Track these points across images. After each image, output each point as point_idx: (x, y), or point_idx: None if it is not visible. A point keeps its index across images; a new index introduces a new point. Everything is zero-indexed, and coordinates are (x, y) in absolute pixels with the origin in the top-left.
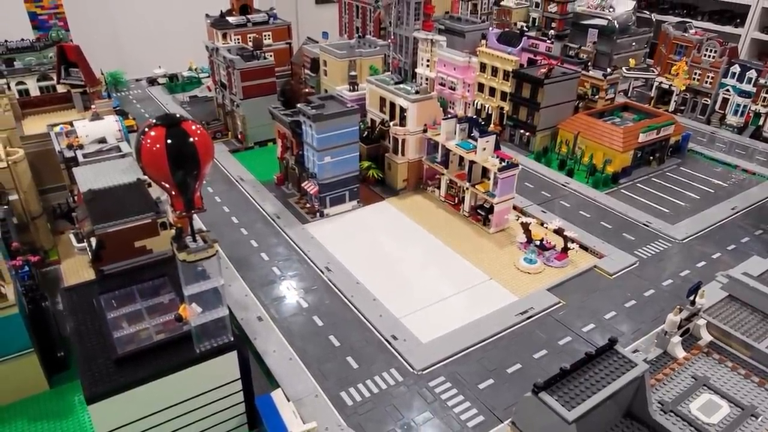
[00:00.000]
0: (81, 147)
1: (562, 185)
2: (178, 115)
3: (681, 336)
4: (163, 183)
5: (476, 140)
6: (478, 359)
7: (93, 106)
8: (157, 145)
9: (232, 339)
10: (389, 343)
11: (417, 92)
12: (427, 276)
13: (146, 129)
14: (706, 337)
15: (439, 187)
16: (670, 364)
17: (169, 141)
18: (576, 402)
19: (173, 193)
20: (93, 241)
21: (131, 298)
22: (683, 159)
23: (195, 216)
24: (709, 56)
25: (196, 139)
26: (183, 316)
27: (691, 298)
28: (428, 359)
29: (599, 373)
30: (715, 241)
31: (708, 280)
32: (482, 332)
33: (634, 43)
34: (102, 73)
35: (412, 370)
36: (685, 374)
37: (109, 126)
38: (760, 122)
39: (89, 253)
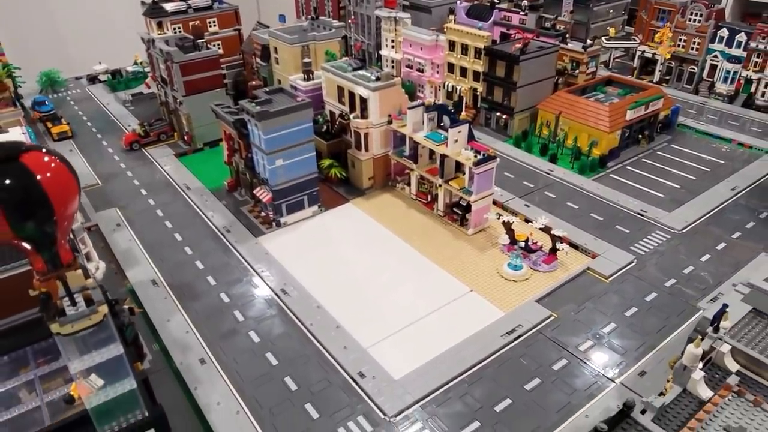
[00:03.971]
0: None
1: (546, 173)
2: (23, 145)
3: (703, 367)
4: (7, 241)
5: (447, 130)
6: (460, 396)
7: None
8: None
9: (146, 414)
10: (356, 382)
11: (378, 79)
12: (398, 292)
13: None
14: (732, 367)
15: (409, 184)
16: (696, 413)
17: (5, 182)
18: None
19: (27, 250)
20: None
21: (23, 363)
22: (673, 135)
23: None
24: (695, 20)
25: (47, 175)
26: (75, 396)
27: (715, 325)
28: (402, 401)
29: None
30: (718, 228)
31: (715, 277)
32: (464, 360)
33: (611, 11)
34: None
35: (383, 416)
36: (716, 425)
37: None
38: (752, 89)
39: None
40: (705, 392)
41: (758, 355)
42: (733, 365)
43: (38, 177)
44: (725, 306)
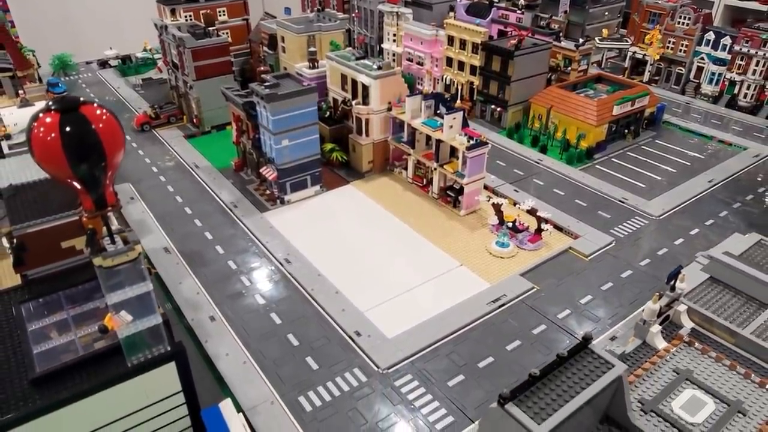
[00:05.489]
0: (9, 137)
1: (536, 162)
2: (80, 98)
3: (661, 324)
4: (64, 179)
5: (442, 118)
6: (447, 354)
7: (21, 92)
8: (52, 135)
9: (168, 348)
10: (352, 340)
11: (380, 68)
12: (393, 264)
13: (39, 114)
14: (688, 324)
15: (406, 168)
16: (650, 358)
17: (66, 129)
18: (547, 413)
19: (79, 190)
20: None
21: (57, 306)
22: (658, 131)
23: (116, 213)
24: (683, 23)
25: (100, 125)
26: (108, 327)
27: (671, 283)
28: (394, 356)
29: (572, 377)
30: (693, 216)
31: (687, 258)
32: (452, 324)
33: (607, 13)
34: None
35: (376, 368)
36: (666, 368)
37: None
38: (735, 90)
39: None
40: (661, 344)
41: (710, 314)
42: (688, 323)
43: (93, 126)
44: (680, 267)
